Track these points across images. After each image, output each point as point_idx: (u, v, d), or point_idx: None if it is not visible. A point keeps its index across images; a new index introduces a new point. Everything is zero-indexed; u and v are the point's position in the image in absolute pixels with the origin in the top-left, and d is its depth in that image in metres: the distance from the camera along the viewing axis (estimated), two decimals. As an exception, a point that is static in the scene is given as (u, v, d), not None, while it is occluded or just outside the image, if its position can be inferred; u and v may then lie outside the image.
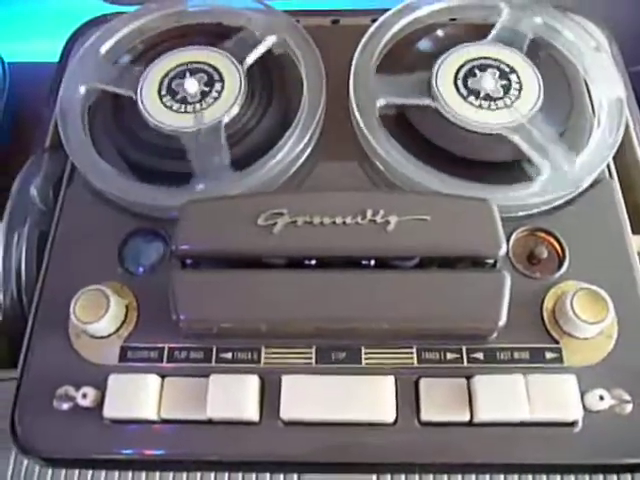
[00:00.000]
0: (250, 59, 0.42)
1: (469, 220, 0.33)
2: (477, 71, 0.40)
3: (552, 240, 0.36)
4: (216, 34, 0.44)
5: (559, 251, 0.36)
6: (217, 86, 0.40)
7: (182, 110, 0.39)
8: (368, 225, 0.33)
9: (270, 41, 0.43)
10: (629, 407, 0.32)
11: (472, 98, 0.39)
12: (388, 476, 0.31)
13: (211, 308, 0.32)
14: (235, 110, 0.39)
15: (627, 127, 0.41)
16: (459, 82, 0.40)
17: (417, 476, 0.31)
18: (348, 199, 0.34)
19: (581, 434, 0.31)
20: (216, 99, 0.40)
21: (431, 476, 0.31)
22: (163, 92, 0.40)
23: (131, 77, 0.41)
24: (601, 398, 0.31)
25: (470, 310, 0.31)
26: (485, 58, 0.40)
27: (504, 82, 0.39)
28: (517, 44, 0.42)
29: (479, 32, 0.43)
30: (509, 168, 0.38)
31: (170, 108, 0.39)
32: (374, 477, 0.31)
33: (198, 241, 0.33)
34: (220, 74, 0.41)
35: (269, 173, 0.37)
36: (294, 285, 0.33)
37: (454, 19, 0.45)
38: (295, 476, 0.31)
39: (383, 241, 0.33)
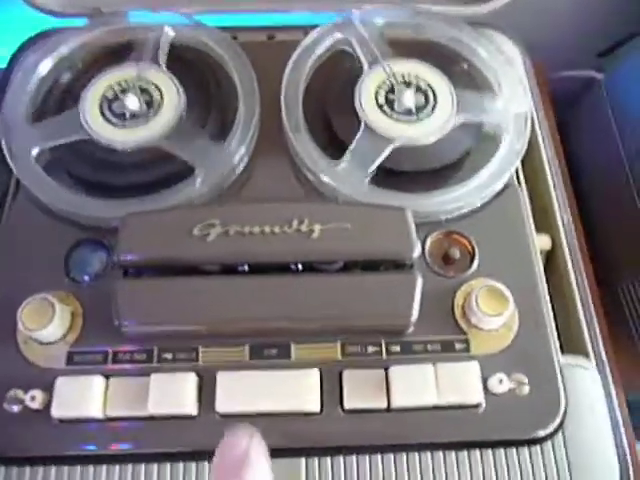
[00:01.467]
0: (189, 76, 0.44)
1: (386, 227, 0.37)
2: (399, 86, 0.43)
3: (465, 242, 0.40)
4: (155, 51, 0.46)
5: (470, 251, 0.40)
6: (156, 102, 0.43)
7: (122, 125, 0.42)
8: (294, 233, 0.36)
9: (208, 58, 0.46)
10: (526, 389, 0.36)
11: (391, 111, 0.42)
12: (316, 459, 0.35)
13: (151, 313, 0.35)
14: (174, 125, 0.42)
15: (534, 135, 0.46)
16: (380, 98, 0.43)
17: (342, 458, 0.35)
18: (276, 210, 0.37)
19: (484, 414, 0.35)
20: (155, 115, 0.42)
21: (354, 458, 0.35)
22: (104, 108, 0.42)
23: (72, 94, 0.43)
24: (500, 382, 0.35)
25: (385, 308, 0.35)
26: (402, 75, 0.44)
27: (421, 96, 0.43)
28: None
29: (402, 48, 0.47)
30: (429, 177, 0.42)
31: (111, 123, 0.42)
32: (303, 460, 0.35)
33: (138, 251, 0.36)
34: (160, 90, 0.43)
35: (204, 187, 0.40)
36: (228, 290, 0.36)
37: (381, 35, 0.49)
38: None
39: (308, 247, 0.36)
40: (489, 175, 0.42)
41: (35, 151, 0.40)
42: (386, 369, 0.36)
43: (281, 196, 0.41)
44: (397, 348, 0.37)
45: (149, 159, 0.41)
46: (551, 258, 0.43)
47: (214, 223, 0.36)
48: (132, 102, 0.42)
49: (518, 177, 0.44)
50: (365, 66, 0.44)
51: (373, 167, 0.41)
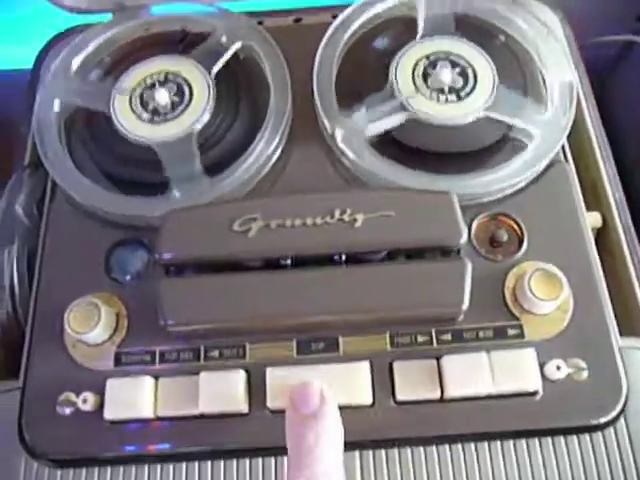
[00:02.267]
0: (217, 67, 0.43)
1: (431, 213, 0.35)
2: (434, 66, 0.42)
3: (512, 223, 0.39)
4: (182, 41, 0.46)
5: (519, 233, 0.38)
6: (187, 95, 0.42)
7: (154, 121, 0.41)
8: (337, 224, 0.35)
9: (235, 47, 0.44)
10: (585, 374, 0.35)
11: (431, 93, 0.41)
12: (370, 452, 0.34)
13: (196, 312, 0.34)
14: (205, 118, 0.41)
15: (579, 107, 0.44)
16: (417, 78, 0.41)
17: (396, 450, 0.34)
18: (317, 200, 0.36)
19: (542, 402, 0.34)
20: (186, 108, 0.41)
21: (408, 449, 0.34)
22: (135, 104, 0.42)
23: (102, 92, 0.42)
24: (558, 368, 0.34)
25: (435, 297, 0.34)
26: (439, 52, 0.42)
27: (460, 74, 0.41)
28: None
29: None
30: (471, 157, 0.40)
31: (142, 119, 0.41)
32: (357, 454, 0.34)
33: (179, 249, 0.35)
34: (189, 83, 0.42)
35: (242, 177, 0.39)
36: (271, 285, 0.35)
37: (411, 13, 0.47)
38: (286, 459, 0.34)
39: (351, 238, 0.35)
40: (534, 152, 0.40)
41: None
42: (438, 358, 0.35)
43: (318, 185, 0.40)
44: (448, 337, 0.36)
45: (182, 154, 0.41)
46: (602, 236, 0.41)
47: (255, 217, 0.35)
48: (162, 97, 0.41)
49: (564, 153, 0.42)
50: (419, 34, 0.42)
51: (417, 153, 0.39)
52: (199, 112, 0.41)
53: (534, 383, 0.34)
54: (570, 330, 0.36)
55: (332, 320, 0.35)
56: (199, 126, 0.41)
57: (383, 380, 0.35)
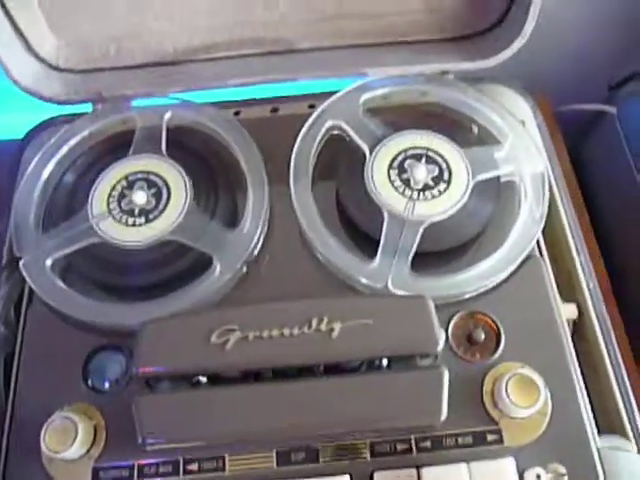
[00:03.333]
0: (194, 162, 0.44)
1: (407, 319, 0.36)
2: (409, 161, 0.43)
3: (489, 321, 0.39)
4: (160, 138, 0.46)
5: (496, 332, 0.39)
6: (164, 195, 0.42)
7: (132, 223, 0.41)
8: (314, 334, 0.35)
9: (212, 141, 0.45)
10: (565, 479, 0.35)
11: (405, 189, 0.42)
12: None
13: (174, 429, 0.34)
14: (182, 219, 0.41)
15: (552, 198, 0.44)
16: (392, 172, 0.42)
17: None
18: (293, 309, 0.36)
19: (524, 512, 0.34)
20: (164, 209, 0.42)
21: None
22: (112, 207, 0.42)
23: (78, 195, 0.43)
24: (538, 477, 0.34)
25: (413, 408, 0.34)
26: (415, 147, 0.43)
27: (435, 171, 0.42)
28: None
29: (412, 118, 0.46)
30: (448, 255, 0.41)
31: (121, 222, 0.41)
32: None
33: (156, 363, 0.35)
34: (165, 181, 0.43)
35: (217, 283, 0.39)
36: (250, 397, 0.35)
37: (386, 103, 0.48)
38: None
39: (329, 348, 0.35)
40: (511, 247, 0.40)
41: (49, 262, 0.40)
42: (418, 467, 0.35)
43: (297, 287, 0.40)
44: (427, 444, 0.36)
45: (163, 256, 0.41)
46: (579, 327, 0.42)
47: (233, 328, 0.36)
48: (140, 198, 0.41)
49: (539, 246, 0.42)
50: (366, 151, 0.42)
51: (409, 257, 0.39)
52: (177, 213, 0.41)
53: (514, 495, 0.34)
54: (549, 434, 0.36)
55: (311, 432, 0.35)
56: (176, 227, 0.41)
57: (363, 493, 0.35)
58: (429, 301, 0.36)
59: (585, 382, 0.40)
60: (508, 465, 0.34)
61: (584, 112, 0.69)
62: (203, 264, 0.40)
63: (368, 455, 0.36)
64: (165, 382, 0.36)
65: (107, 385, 0.38)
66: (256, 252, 0.41)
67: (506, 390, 0.35)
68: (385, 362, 0.36)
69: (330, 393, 0.34)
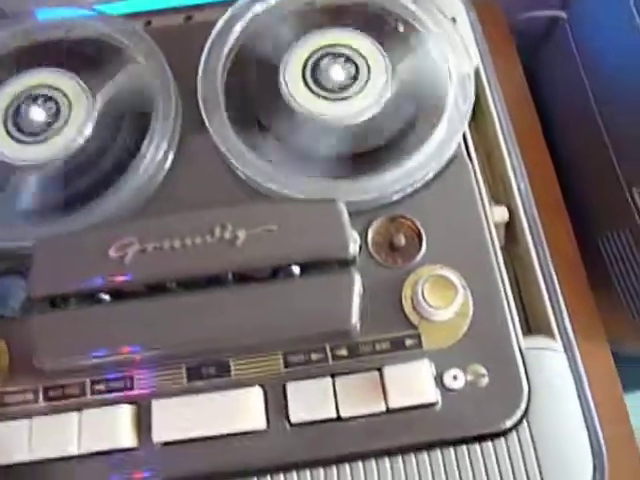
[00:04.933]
0: (98, 79, 0.40)
1: (316, 224, 0.34)
2: (324, 61, 0.40)
3: (411, 225, 0.37)
4: (64, 51, 0.43)
5: (418, 236, 0.37)
6: (64, 112, 0.39)
7: (30, 141, 0.38)
8: (218, 242, 0.33)
9: (119, 54, 0.42)
10: (485, 380, 0.33)
11: (321, 90, 0.39)
12: (268, 478, 0.33)
13: (73, 348, 0.32)
14: (85, 135, 0.38)
15: (484, 99, 0.42)
16: (307, 75, 0.39)
17: (295, 474, 0.33)
18: (195, 219, 0.34)
19: (442, 412, 0.33)
20: (64, 126, 0.39)
21: (308, 473, 0.33)
22: (9, 124, 0.39)
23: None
24: (455, 378, 0.33)
25: (323, 314, 0.32)
26: (331, 46, 0.40)
27: (352, 69, 0.39)
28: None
29: (333, 15, 0.43)
30: (365, 159, 0.38)
31: (17, 140, 0.38)
32: (254, 480, 0.33)
33: (52, 282, 0.33)
34: (67, 97, 0.40)
35: (124, 197, 0.37)
36: (155, 312, 0.33)
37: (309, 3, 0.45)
38: (181, 493, 0.33)
39: (234, 256, 0.33)
40: (435, 147, 0.38)
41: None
42: (333, 376, 0.34)
43: (213, 198, 0.38)
44: (343, 352, 0.34)
45: (64, 174, 0.38)
46: (510, 231, 0.40)
47: (131, 241, 0.34)
48: (37, 114, 0.39)
49: (467, 148, 0.40)
50: (279, 53, 0.39)
51: (310, 157, 0.37)
52: (78, 130, 0.38)
53: (430, 395, 0.32)
54: (470, 336, 0.34)
55: (221, 344, 0.34)
56: (78, 144, 0.38)
57: (277, 403, 0.33)
58: (340, 204, 0.34)
59: (518, 287, 0.39)
60: (423, 367, 0.32)
61: (540, 21, 0.66)
62: (107, 183, 0.38)
63: (281, 366, 0.34)
64: (68, 303, 0.35)
65: (10, 311, 0.36)
66: (165, 170, 0.39)
67: (422, 292, 0.33)
68: (297, 270, 0.35)
69: (238, 303, 0.33)
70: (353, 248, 0.33)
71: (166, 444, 0.33)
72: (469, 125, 0.40)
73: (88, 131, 0.38)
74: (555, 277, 0.37)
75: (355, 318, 0.32)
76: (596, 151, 0.54)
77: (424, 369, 0.32)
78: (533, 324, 0.38)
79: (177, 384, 0.34)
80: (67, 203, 0.37)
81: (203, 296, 0.33)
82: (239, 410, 0.32)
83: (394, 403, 0.32)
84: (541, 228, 0.39)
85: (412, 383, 0.32)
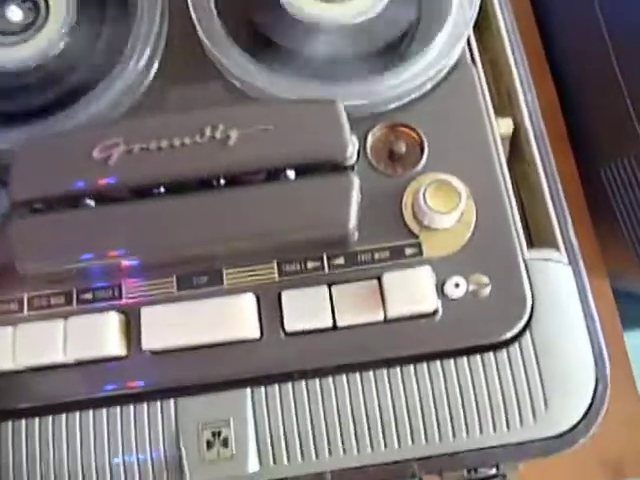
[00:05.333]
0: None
1: (314, 125, 0.32)
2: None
3: (412, 134, 0.35)
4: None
5: (419, 145, 0.35)
6: (42, 11, 0.37)
7: (4, 43, 0.36)
8: (208, 143, 0.31)
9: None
10: (487, 290, 0.32)
11: (319, -10, 0.36)
12: (262, 388, 0.32)
13: (55, 253, 0.31)
14: (65, 35, 0.36)
15: (490, 2, 0.40)
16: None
17: (290, 385, 0.32)
18: (184, 119, 0.32)
19: (442, 322, 0.32)
20: (43, 25, 0.36)
21: (303, 383, 0.32)
22: (-17, 23, 0.36)
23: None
24: (457, 285, 0.32)
25: (320, 218, 0.31)
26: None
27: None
28: None
29: None
30: (364, 62, 0.36)
31: (-3, 42, 0.36)
32: (248, 391, 0.32)
33: (33, 186, 0.31)
34: (45, -3, 0.37)
35: (108, 101, 0.35)
36: (142, 216, 0.31)
37: None
38: (172, 401, 0.32)
39: (225, 157, 0.31)
40: (438, 52, 0.36)
41: None
42: (330, 285, 0.32)
43: (202, 104, 0.36)
44: (340, 261, 0.33)
45: (43, 78, 0.36)
46: (515, 143, 0.38)
47: (116, 142, 0.32)
48: (14, 13, 0.36)
49: (472, 55, 0.38)
50: None
51: (306, 60, 0.35)
52: (57, 30, 0.36)
53: (430, 303, 0.31)
54: (472, 244, 0.33)
55: (213, 250, 0.32)
56: (58, 48, 0.36)
57: (271, 311, 0.32)
58: (339, 105, 0.32)
59: (522, 204, 0.38)
60: (423, 274, 0.31)
61: None
62: (90, 85, 0.35)
63: (276, 275, 0.33)
64: (50, 208, 0.33)
65: (-7, 220, 0.35)
66: (150, 74, 0.37)
67: (424, 197, 0.32)
68: (293, 174, 0.33)
69: (230, 207, 0.31)
70: (352, 151, 0.31)
71: (156, 353, 0.31)
72: (474, 33, 0.38)
73: (67, 30, 0.36)
74: (561, 190, 0.36)
75: (353, 222, 0.31)
76: (603, 80, 0.53)
77: (424, 276, 0.31)
78: (537, 238, 0.36)
79: (167, 293, 0.32)
80: (48, 106, 0.35)
81: (193, 200, 0.31)
82: (232, 318, 0.31)
83: (393, 311, 0.31)
84: (547, 141, 0.37)
85: (412, 291, 0.31)
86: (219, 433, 0.31)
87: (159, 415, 0.32)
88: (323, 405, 0.32)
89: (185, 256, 0.32)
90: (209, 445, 0.31)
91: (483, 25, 0.40)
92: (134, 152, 0.31)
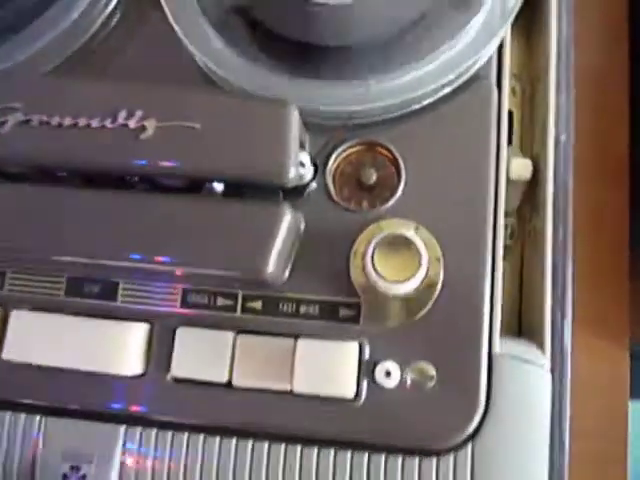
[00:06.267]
0: None
1: (254, 131, 0.25)
2: None
3: (389, 161, 0.27)
4: None
5: (395, 174, 0.28)
6: None
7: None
8: (118, 130, 0.25)
9: None
10: (431, 384, 0.25)
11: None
12: (138, 430, 0.27)
13: None
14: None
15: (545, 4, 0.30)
16: None
17: (169, 435, 0.27)
18: (99, 94, 0.25)
19: (363, 411, 0.25)
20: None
21: (185, 435, 0.27)
22: None
23: None
24: (387, 374, 0.25)
25: (233, 253, 0.24)
26: None
27: None
28: None
29: None
30: (357, 56, 0.28)
31: None
32: (122, 429, 0.27)
33: None
34: None
35: (43, 42, 0.28)
36: (33, 204, 0.26)
37: None
38: (37, 418, 0.28)
39: (132, 151, 0.24)
40: (455, 55, 0.27)
41: None
42: (238, 332, 0.26)
43: (151, 75, 0.29)
44: (257, 305, 0.27)
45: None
46: (532, 193, 0.30)
47: (15, 107, 0.26)
48: None
49: (501, 65, 0.29)
50: None
51: (280, 47, 0.27)
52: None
53: (347, 389, 0.24)
54: (425, 322, 0.25)
55: (107, 260, 0.26)
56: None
57: (162, 347, 0.26)
58: (291, 109, 0.24)
59: (521, 268, 0.30)
60: (348, 352, 0.24)
61: None
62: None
63: (178, 304, 0.27)
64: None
65: None
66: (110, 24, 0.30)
67: (373, 254, 0.25)
68: (219, 187, 0.26)
69: (133, 213, 0.25)
70: (294, 173, 0.24)
71: (16, 365, 0.27)
72: (514, 37, 0.29)
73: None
74: (570, 272, 0.27)
75: (273, 267, 0.24)
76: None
77: (348, 355, 0.24)
78: (526, 326, 0.29)
79: (52, 296, 0.27)
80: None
81: (91, 196, 0.25)
82: (114, 349, 0.26)
83: (299, 387, 0.25)
84: (570, 200, 0.28)
85: (328, 368, 0.24)
86: (77, 468, 0.27)
87: (20, 429, 0.28)
88: (202, 464, 0.26)
89: (68, 257, 0.26)
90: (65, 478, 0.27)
91: (533, 29, 0.31)
92: (31, 124, 0.25)
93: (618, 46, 0.43)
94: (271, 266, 0.24)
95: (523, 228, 0.31)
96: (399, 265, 0.24)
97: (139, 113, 0.25)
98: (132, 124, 0.25)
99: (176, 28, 0.28)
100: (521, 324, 0.30)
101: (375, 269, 0.24)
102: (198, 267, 0.25)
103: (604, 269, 0.43)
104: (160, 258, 0.24)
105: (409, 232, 0.24)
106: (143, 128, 0.25)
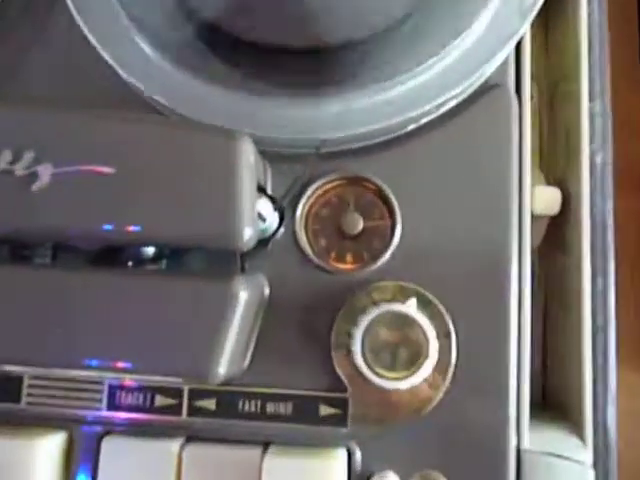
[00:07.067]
0: None
1: (192, 176, 0.18)
2: None
3: (379, 197, 0.21)
4: None
5: (388, 219, 0.21)
6: None
7: None
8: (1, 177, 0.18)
9: None
10: (438, 500, 0.20)
11: None
12: None
13: None
14: None
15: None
16: None
17: None
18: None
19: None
20: None
21: None
22: None
23: None
24: (385, 494, 0.19)
25: (174, 351, 0.17)
26: None
27: None
28: None
29: None
30: (326, 64, 0.21)
31: None
32: None
33: None
34: None
35: None
36: None
37: None
38: None
39: (20, 209, 0.18)
40: (458, 58, 0.21)
41: None
42: (185, 441, 0.20)
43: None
44: (210, 404, 0.20)
45: None
46: (559, 225, 0.24)
47: None
48: None
49: (519, 71, 0.22)
50: None
51: (235, 53, 0.20)
52: None
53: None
54: (435, 417, 0.20)
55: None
56: None
57: (83, 463, 0.20)
58: (245, 143, 0.17)
59: (545, 332, 0.24)
60: (334, 462, 0.18)
61: None
62: None
63: (104, 405, 0.21)
64: None
65: None
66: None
67: (364, 339, 0.19)
68: (150, 252, 0.20)
69: (29, 292, 0.18)
70: (249, 235, 0.18)
71: None
72: (536, 36, 0.22)
73: None
74: (614, 336, 0.22)
75: (225, 369, 0.17)
76: None
77: (334, 466, 0.18)
78: (551, 389, 0.23)
79: None
80: None
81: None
82: (15, 465, 0.20)
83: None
84: (611, 240, 0.23)
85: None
86: None
87: None
88: None
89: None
90: None
91: (554, 18, 0.24)
92: None
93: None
94: (222, 367, 0.17)
95: (545, 268, 0.25)
96: (399, 354, 0.18)
97: (31, 153, 0.18)
98: (19, 169, 0.18)
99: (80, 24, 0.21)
100: (545, 387, 0.24)
101: (367, 363, 0.18)
102: (120, 371, 0.18)
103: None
104: (79, 360, 0.18)
105: (410, 307, 0.18)
106: (34, 175, 0.18)
